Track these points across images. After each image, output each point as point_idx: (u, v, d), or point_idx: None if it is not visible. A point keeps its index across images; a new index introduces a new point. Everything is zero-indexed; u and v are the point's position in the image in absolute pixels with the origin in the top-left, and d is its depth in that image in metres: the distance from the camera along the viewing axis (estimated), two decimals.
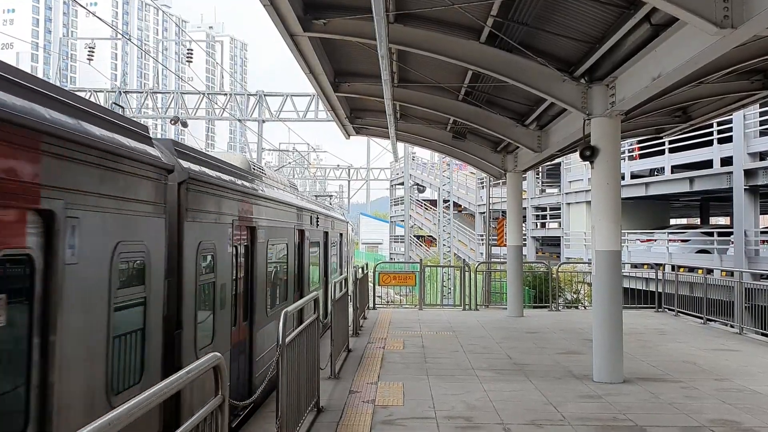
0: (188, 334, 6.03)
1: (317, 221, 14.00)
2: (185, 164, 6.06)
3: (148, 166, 5.06)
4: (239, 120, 32.85)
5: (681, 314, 15.81)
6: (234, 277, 7.66)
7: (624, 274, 14.87)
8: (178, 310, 5.84)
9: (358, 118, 15.18)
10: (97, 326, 4.32)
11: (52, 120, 3.80)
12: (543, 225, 33.83)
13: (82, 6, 15.56)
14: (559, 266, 19.36)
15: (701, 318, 14.69)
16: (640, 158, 25.58)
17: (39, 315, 3.70)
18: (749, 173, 18.92)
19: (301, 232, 12.21)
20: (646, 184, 24.47)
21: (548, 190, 34.69)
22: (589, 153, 8.82)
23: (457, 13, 8.17)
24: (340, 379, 8.59)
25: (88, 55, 33.86)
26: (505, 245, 18.16)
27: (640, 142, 24.38)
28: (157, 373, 5.24)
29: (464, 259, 36.35)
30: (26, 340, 3.64)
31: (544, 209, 33.21)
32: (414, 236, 48.02)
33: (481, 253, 32.61)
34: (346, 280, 11.23)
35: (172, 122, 27.25)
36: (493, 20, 8.16)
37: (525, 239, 30.82)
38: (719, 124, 20.27)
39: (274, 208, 9.69)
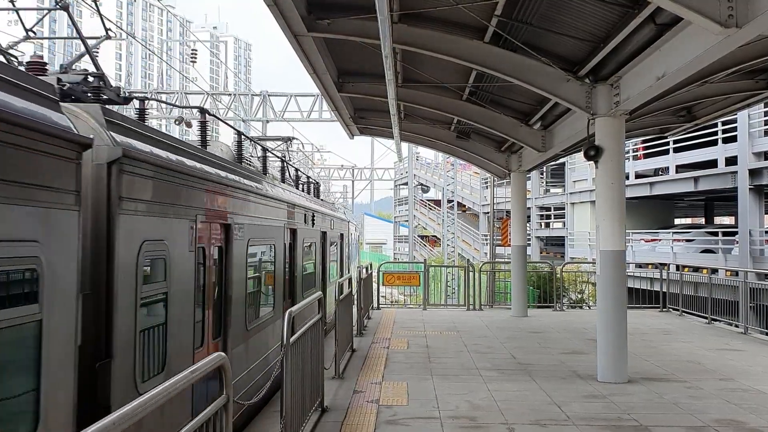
0: (344, 266, 18.39)
1: (353, 228, 24.84)
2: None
3: (344, 221, 18.76)
4: (243, 120, 32.86)
5: (685, 314, 15.78)
6: (340, 251, 18.00)
7: (628, 273, 14.88)
8: (341, 256, 17.89)
9: (362, 118, 15.18)
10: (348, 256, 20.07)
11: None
12: (547, 225, 33.77)
13: (88, 5, 15.58)
14: (564, 266, 19.33)
15: (706, 318, 14.65)
16: (644, 158, 25.51)
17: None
18: (754, 173, 18.86)
19: (348, 234, 22.18)
20: (651, 184, 24.41)
21: (552, 190, 34.63)
22: (593, 153, 8.82)
23: (461, 13, 8.17)
24: (344, 378, 8.60)
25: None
26: (509, 245, 18.14)
27: (644, 141, 24.32)
28: (341, 270, 17.80)
29: (468, 259, 36.34)
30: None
31: (549, 209, 33.15)
32: (418, 236, 48.02)
33: (485, 253, 32.60)
34: (350, 279, 11.32)
35: (177, 123, 27.28)
36: (497, 20, 8.15)
37: (529, 239, 30.85)
38: (724, 123, 20.20)
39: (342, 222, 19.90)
